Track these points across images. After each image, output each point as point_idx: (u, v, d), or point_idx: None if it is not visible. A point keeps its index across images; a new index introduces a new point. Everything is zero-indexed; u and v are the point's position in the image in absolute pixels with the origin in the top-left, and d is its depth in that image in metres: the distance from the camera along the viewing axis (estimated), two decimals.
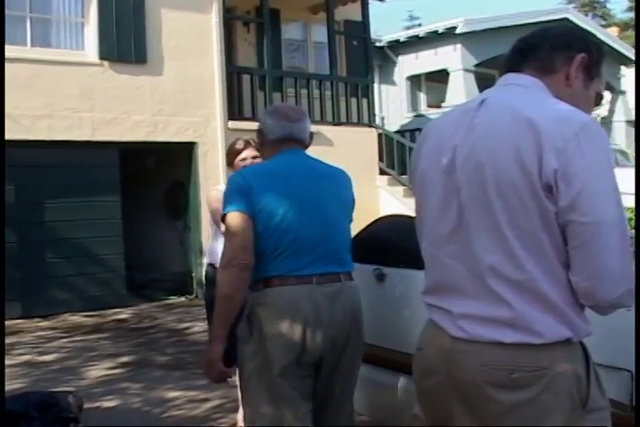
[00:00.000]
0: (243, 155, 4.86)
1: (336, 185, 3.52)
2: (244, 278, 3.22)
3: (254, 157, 4.78)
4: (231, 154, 4.98)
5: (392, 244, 4.11)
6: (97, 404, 6.03)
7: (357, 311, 3.40)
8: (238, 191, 3.30)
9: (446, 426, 2.26)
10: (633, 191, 2.90)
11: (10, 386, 6.66)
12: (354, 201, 3.63)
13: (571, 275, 2.05)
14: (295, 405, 3.26)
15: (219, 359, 3.25)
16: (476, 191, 2.12)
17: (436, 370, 2.23)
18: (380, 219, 4.55)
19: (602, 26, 29.29)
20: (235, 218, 3.24)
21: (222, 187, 4.74)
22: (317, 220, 3.33)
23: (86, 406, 5.08)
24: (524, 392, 2.06)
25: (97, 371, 7.32)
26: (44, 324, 10.35)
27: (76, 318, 10.69)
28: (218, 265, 4.65)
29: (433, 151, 2.29)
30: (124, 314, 10.99)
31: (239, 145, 4.94)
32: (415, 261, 3.66)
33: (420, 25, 36.54)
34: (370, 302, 4.00)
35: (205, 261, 5.09)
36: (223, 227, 3.43)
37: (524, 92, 2.23)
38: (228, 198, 3.32)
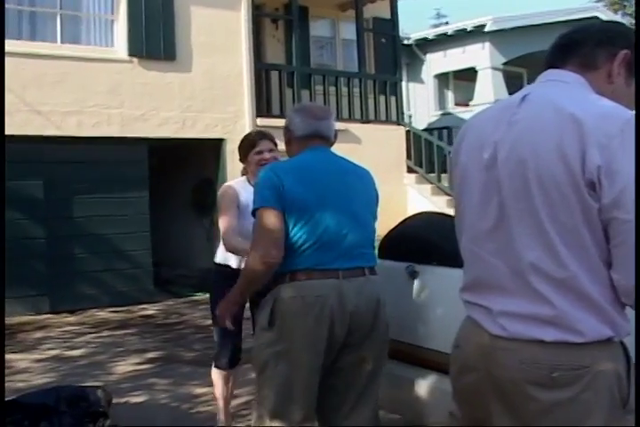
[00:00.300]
0: (259, 147, 4.69)
1: (361, 182, 3.61)
2: (270, 273, 3.36)
3: (271, 150, 4.69)
4: (245, 147, 4.80)
5: (425, 241, 4.08)
6: (125, 399, 6.04)
7: (381, 305, 3.47)
8: (271, 187, 3.34)
9: (484, 425, 2.24)
10: None
11: (39, 380, 6.73)
12: (378, 199, 3.70)
13: (612, 273, 2.02)
14: (305, 397, 3.37)
15: (224, 314, 3.64)
16: (517, 187, 2.10)
17: (475, 368, 2.21)
18: (412, 216, 4.52)
19: (632, 24, 29.06)
20: (267, 214, 3.29)
21: (233, 183, 4.79)
22: (344, 215, 3.40)
23: (114, 401, 5.08)
24: (564, 391, 2.03)
25: (124, 366, 7.34)
26: (72, 319, 10.40)
27: (104, 314, 10.73)
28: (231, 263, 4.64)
29: (473, 147, 2.27)
30: (150, 310, 11.02)
31: (254, 137, 4.81)
32: (448, 259, 3.66)
33: (447, 23, 36.30)
34: (401, 300, 3.99)
35: (216, 260, 4.96)
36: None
37: (566, 88, 2.20)
38: (260, 194, 3.37)
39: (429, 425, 3.96)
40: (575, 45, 2.30)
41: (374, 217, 3.63)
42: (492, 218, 2.17)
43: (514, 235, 2.11)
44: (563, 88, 2.21)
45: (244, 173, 4.98)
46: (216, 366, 4.94)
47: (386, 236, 4.45)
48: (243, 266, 4.55)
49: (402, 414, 4.36)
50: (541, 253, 2.05)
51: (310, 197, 3.35)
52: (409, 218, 4.46)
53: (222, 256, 4.83)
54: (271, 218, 3.29)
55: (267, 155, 4.64)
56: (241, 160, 4.89)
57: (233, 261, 4.78)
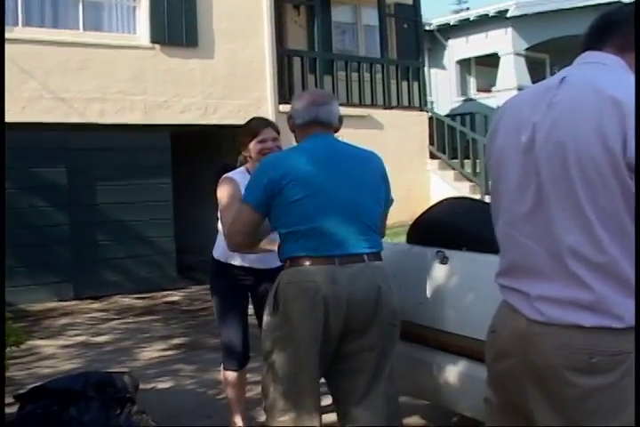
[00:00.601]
0: (262, 136, 4.39)
1: (364, 167, 3.57)
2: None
3: (274, 139, 4.42)
4: (247, 134, 4.47)
5: (455, 226, 4.05)
6: (151, 385, 6.04)
7: (384, 291, 3.43)
8: (259, 183, 3.47)
9: (520, 410, 2.21)
10: None
11: (66, 366, 6.77)
12: (386, 182, 3.66)
13: None
14: (308, 381, 3.41)
15: None
16: (556, 169, 2.06)
17: (511, 353, 2.18)
18: (441, 201, 4.48)
19: None
20: (244, 209, 3.53)
21: (232, 174, 4.49)
22: (341, 202, 3.40)
23: (141, 387, 5.08)
24: (604, 377, 2.00)
25: (150, 352, 7.36)
26: (96, 305, 10.43)
27: (127, 300, 10.76)
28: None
29: (510, 130, 2.23)
30: (174, 296, 11.04)
31: (257, 124, 4.51)
32: (479, 245, 3.64)
33: (467, 9, 36.05)
34: (432, 285, 3.97)
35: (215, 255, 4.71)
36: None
37: (605, 70, 2.16)
38: (248, 188, 3.57)
39: (459, 411, 3.95)
40: (614, 27, 2.26)
41: (380, 202, 3.58)
42: (530, 201, 2.14)
43: (552, 218, 2.08)
44: (602, 70, 2.17)
45: (244, 162, 4.64)
46: (226, 369, 4.76)
47: (415, 221, 4.42)
48: (246, 263, 4.53)
49: (430, 400, 4.34)
50: (580, 237, 2.02)
51: (308, 185, 3.39)
52: (438, 203, 4.43)
53: (224, 254, 4.55)
54: (245, 213, 3.51)
55: (270, 144, 4.38)
56: (240, 148, 4.54)
57: (237, 258, 4.54)
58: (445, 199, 4.60)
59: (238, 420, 4.76)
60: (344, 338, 3.43)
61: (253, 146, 4.41)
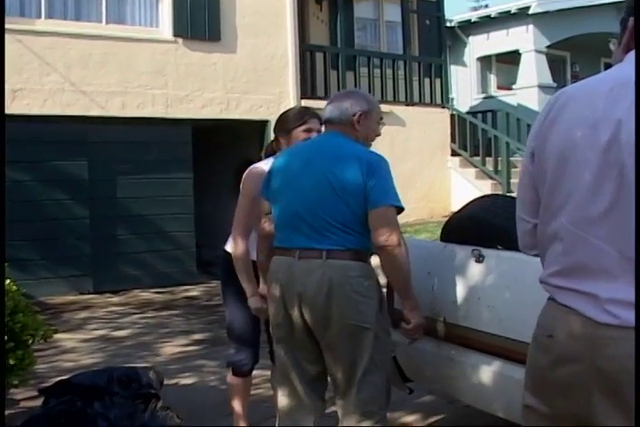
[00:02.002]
0: (309, 125, 4.19)
1: (341, 166, 3.48)
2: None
3: (319, 131, 4.20)
4: (292, 121, 4.24)
5: (492, 224, 3.97)
6: (174, 381, 6.00)
7: (336, 289, 3.40)
8: (267, 176, 3.77)
9: (575, 419, 2.12)
10: None
11: (87, 360, 6.74)
12: (373, 183, 3.43)
13: None
14: (291, 370, 3.64)
15: None
16: None
17: (575, 358, 2.07)
18: (477, 199, 4.40)
19: None
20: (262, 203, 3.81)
21: (263, 164, 4.29)
22: (306, 197, 3.49)
23: (164, 382, 5.04)
24: None
25: (171, 348, 7.32)
26: (115, 299, 10.42)
27: (147, 295, 10.74)
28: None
29: (582, 124, 2.09)
30: (194, 291, 11.01)
31: (304, 112, 4.31)
32: (514, 243, 3.55)
33: (486, 6, 35.87)
34: (467, 284, 3.89)
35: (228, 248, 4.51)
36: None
37: None
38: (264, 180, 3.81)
39: (492, 412, 3.88)
40: None
41: (353, 202, 3.43)
42: (607, 200, 2.02)
43: (631, 220, 1.98)
44: None
45: (272, 151, 4.44)
46: (237, 374, 4.53)
47: (449, 219, 4.36)
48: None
49: (463, 401, 4.27)
50: None
51: (283, 181, 3.60)
52: (473, 201, 4.34)
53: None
54: (262, 205, 3.80)
55: (315, 135, 4.17)
56: (278, 134, 4.33)
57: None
58: (480, 197, 4.52)
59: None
60: (313, 335, 3.53)
61: (298, 133, 4.19)
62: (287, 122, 4.28)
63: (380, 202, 3.43)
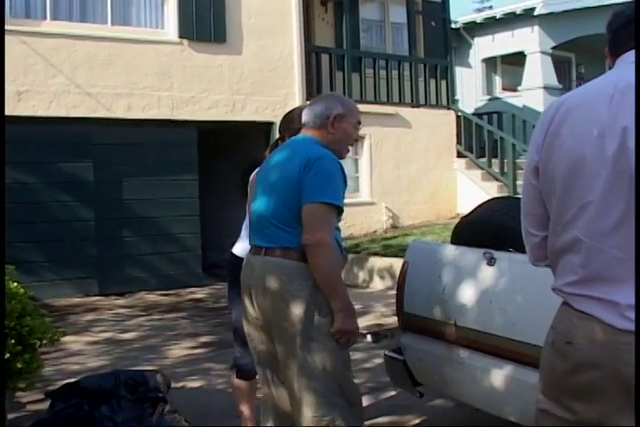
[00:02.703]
0: None
1: (286, 164, 3.53)
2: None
3: None
4: (298, 120, 4.00)
5: (503, 227, 3.94)
6: (181, 384, 5.97)
7: (271, 288, 3.41)
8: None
9: (601, 421, 2.10)
10: None
11: (94, 363, 6.71)
12: (298, 178, 3.39)
13: None
14: (258, 360, 3.68)
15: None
16: None
17: (596, 364, 2.05)
18: (488, 201, 4.37)
19: None
20: None
21: None
22: (260, 198, 3.58)
23: (171, 385, 5.00)
24: None
25: (178, 350, 7.29)
26: (121, 302, 10.40)
27: (153, 297, 10.72)
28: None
29: (588, 137, 2.07)
30: (199, 294, 10.98)
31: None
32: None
33: (490, 7, 35.80)
34: (478, 287, 3.86)
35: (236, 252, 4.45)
36: None
37: None
38: None
39: (503, 417, 3.84)
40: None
41: (290, 202, 3.41)
42: (620, 211, 2.00)
43: None
44: None
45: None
46: (242, 377, 4.46)
47: (459, 221, 4.33)
48: None
49: (473, 405, 4.23)
50: None
51: (259, 182, 3.67)
52: (483, 203, 4.32)
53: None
54: None
55: None
56: (285, 133, 4.25)
57: None
58: (491, 199, 4.49)
59: None
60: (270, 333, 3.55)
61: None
62: (293, 121, 4.20)
63: (310, 198, 3.36)
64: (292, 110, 4.41)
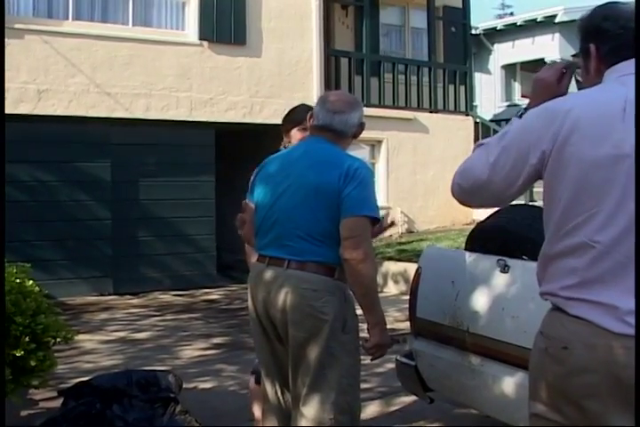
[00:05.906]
0: (306, 124, 3.89)
1: (320, 174, 3.33)
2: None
3: None
4: (292, 120, 4.11)
5: (517, 235, 3.94)
6: (193, 384, 5.98)
7: (293, 303, 3.30)
8: (251, 180, 3.67)
9: (596, 425, 2.11)
10: None
11: (106, 362, 6.74)
12: (338, 190, 3.27)
13: None
14: (264, 366, 3.64)
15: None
16: None
17: (591, 368, 2.08)
18: (503, 208, 4.37)
19: None
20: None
21: None
22: (279, 204, 3.41)
23: (183, 386, 5.02)
24: None
25: (191, 351, 7.31)
26: (135, 301, 10.43)
27: (167, 297, 10.75)
28: None
29: (603, 145, 2.10)
30: (214, 295, 11.01)
31: (305, 112, 3.89)
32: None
33: (512, 14, 35.81)
34: (491, 294, 3.86)
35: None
36: None
37: None
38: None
39: (513, 424, 3.84)
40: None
41: (325, 211, 3.30)
42: (628, 218, 2.04)
43: None
44: None
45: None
46: (260, 383, 4.16)
47: (474, 228, 4.33)
48: None
49: (483, 412, 4.23)
50: None
51: (263, 187, 3.50)
52: (499, 210, 4.31)
53: None
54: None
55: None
56: (283, 134, 4.22)
57: None
58: (506, 206, 4.48)
59: None
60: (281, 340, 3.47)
61: (295, 133, 4.09)
62: (288, 122, 4.20)
63: (352, 212, 3.26)
64: (298, 106, 4.31)
